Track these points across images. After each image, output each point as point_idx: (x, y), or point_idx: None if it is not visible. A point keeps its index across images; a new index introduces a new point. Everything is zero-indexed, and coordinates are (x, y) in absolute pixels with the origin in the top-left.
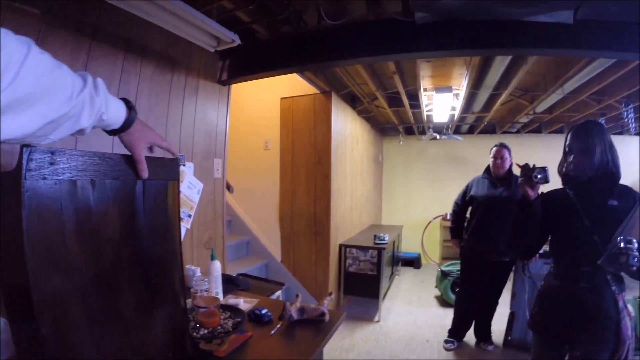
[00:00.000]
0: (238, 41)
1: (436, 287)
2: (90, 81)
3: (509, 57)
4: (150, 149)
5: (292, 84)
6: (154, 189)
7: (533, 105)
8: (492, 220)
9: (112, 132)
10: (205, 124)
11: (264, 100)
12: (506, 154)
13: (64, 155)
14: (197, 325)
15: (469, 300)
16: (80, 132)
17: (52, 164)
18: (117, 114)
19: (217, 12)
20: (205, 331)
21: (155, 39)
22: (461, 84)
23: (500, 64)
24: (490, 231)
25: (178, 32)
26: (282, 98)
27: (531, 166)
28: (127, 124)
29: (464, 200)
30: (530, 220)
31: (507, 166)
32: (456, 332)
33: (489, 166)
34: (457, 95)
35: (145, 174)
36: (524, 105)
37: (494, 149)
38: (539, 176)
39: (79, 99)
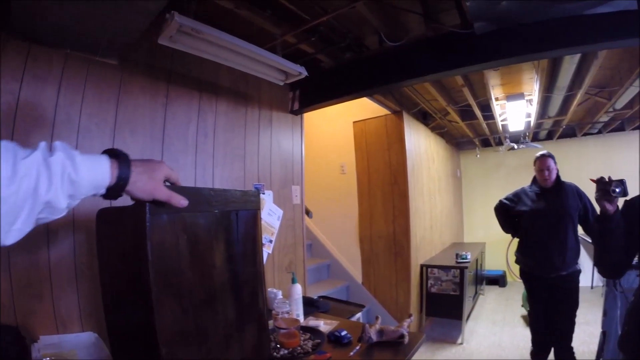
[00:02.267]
0: (305, 73)
1: (522, 305)
2: (43, 145)
3: (578, 55)
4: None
5: (363, 107)
6: (245, 218)
7: (611, 102)
8: (542, 234)
9: (112, 193)
10: (281, 152)
11: (338, 125)
12: (552, 164)
13: (177, 190)
14: (278, 346)
15: (539, 319)
16: (51, 207)
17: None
18: (96, 170)
19: (281, 47)
20: (286, 351)
21: (226, 77)
22: (533, 89)
23: (569, 63)
24: (543, 246)
25: (247, 70)
26: (354, 122)
27: (607, 179)
28: (121, 180)
29: (511, 205)
30: (612, 236)
31: (554, 177)
32: (538, 354)
33: (535, 177)
34: (530, 101)
35: (184, 202)
36: (602, 103)
37: (538, 160)
38: (617, 190)
39: (23, 165)
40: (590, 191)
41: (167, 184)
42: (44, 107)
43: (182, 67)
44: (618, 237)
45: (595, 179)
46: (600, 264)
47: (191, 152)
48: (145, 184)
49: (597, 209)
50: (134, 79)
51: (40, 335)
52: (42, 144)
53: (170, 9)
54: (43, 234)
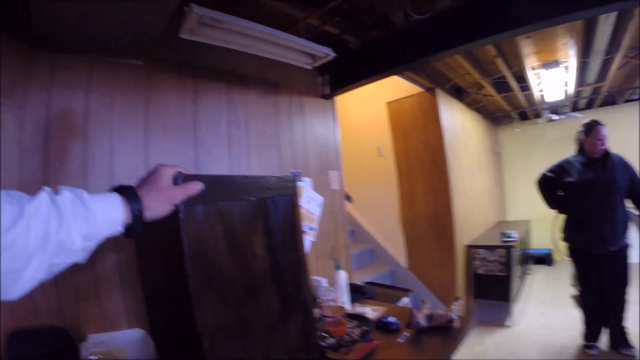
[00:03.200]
0: (332, 54)
1: (572, 285)
2: (47, 189)
3: (613, 14)
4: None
5: (396, 87)
6: (282, 204)
7: None
8: (592, 207)
9: (134, 228)
10: (316, 138)
11: (371, 108)
12: (606, 132)
13: (207, 180)
14: (325, 335)
15: (591, 298)
16: (64, 249)
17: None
18: (108, 206)
19: (305, 30)
20: (333, 340)
21: (253, 66)
22: (568, 55)
23: (604, 24)
24: (592, 219)
25: (274, 56)
26: (387, 102)
27: None
28: (136, 211)
29: (555, 177)
30: None
31: (607, 145)
32: (591, 335)
33: (581, 146)
34: (566, 68)
35: (199, 185)
36: None
37: (594, 128)
38: None
39: (30, 207)
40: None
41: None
42: (75, 113)
43: (207, 60)
44: None
45: None
46: None
47: (224, 145)
48: (159, 201)
49: None
50: (161, 76)
51: (89, 335)
52: (46, 188)
53: (189, 2)
54: None
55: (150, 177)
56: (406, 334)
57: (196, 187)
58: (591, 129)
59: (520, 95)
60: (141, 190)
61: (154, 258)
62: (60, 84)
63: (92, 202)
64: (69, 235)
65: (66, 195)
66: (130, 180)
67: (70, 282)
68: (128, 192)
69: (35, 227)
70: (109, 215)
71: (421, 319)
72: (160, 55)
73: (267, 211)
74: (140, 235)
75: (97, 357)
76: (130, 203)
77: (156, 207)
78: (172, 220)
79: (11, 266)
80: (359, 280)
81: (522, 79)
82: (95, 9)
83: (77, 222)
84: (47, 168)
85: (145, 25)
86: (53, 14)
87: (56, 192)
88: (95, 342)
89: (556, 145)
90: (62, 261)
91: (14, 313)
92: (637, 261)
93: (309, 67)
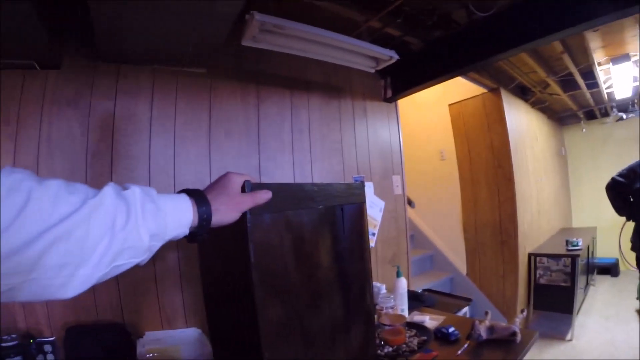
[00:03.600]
0: (396, 56)
1: (638, 298)
2: (111, 184)
3: None
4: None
5: (458, 88)
6: (350, 212)
7: None
8: None
9: (199, 231)
10: (379, 142)
11: (433, 110)
12: None
13: (275, 188)
14: (382, 343)
15: None
16: (131, 246)
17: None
18: (178, 205)
19: (367, 33)
20: (390, 349)
21: (315, 72)
22: (638, 48)
23: None
24: None
25: (336, 60)
26: (450, 104)
27: None
28: (204, 214)
29: (626, 182)
30: None
31: None
32: None
33: None
34: (636, 62)
35: (268, 195)
36: None
37: None
38: None
39: (95, 197)
40: None
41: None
42: (139, 120)
43: (269, 66)
44: None
45: None
46: None
47: (287, 150)
48: (227, 206)
49: None
50: (223, 83)
51: (146, 331)
52: (112, 183)
53: (249, 10)
54: None
55: (218, 183)
56: (466, 345)
57: (265, 195)
58: None
59: (587, 93)
60: (210, 195)
61: (218, 261)
62: (124, 93)
63: (162, 200)
64: (137, 232)
65: (135, 190)
66: (194, 186)
67: (130, 277)
68: (197, 195)
69: (97, 220)
70: (178, 216)
71: (482, 331)
72: (223, 63)
73: (335, 219)
74: (205, 240)
75: (152, 355)
76: (198, 206)
77: (224, 212)
78: (239, 227)
79: (66, 260)
80: (417, 287)
81: (589, 75)
82: (156, 25)
83: (147, 219)
84: (113, 173)
85: (206, 35)
86: (115, 30)
87: (124, 188)
88: (151, 339)
89: (626, 146)
90: (127, 261)
91: (74, 306)
92: None
93: (372, 70)
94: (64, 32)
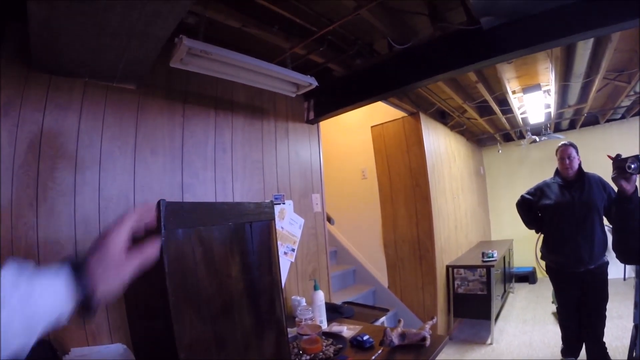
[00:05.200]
0: (315, 83)
1: (553, 302)
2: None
3: (591, 40)
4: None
5: (380, 111)
6: (259, 228)
7: (631, 85)
8: (569, 229)
9: (85, 312)
10: (300, 162)
11: (356, 131)
12: (573, 153)
13: (189, 206)
14: (300, 352)
15: (569, 314)
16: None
17: (181, 214)
18: (53, 292)
19: (291, 60)
20: (308, 357)
21: (242, 93)
22: (549, 79)
23: (583, 48)
24: (570, 240)
25: (260, 85)
26: (372, 126)
27: (623, 157)
28: (85, 305)
29: (534, 199)
30: (631, 218)
31: (576, 166)
32: (570, 351)
33: (557, 169)
34: (547, 91)
35: (155, 252)
36: (622, 87)
37: (559, 149)
38: (632, 166)
39: None
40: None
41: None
42: (67, 133)
43: (197, 87)
44: (637, 219)
45: (612, 156)
46: (619, 248)
47: (210, 168)
48: (107, 276)
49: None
50: (152, 101)
51: (72, 348)
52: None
53: (180, 34)
54: (71, 252)
55: (99, 247)
56: (379, 352)
57: (153, 252)
58: (557, 150)
59: (502, 118)
60: (89, 264)
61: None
62: (54, 105)
63: (35, 289)
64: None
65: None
66: (118, 200)
67: None
68: (77, 269)
69: None
70: (49, 302)
71: (394, 337)
72: (152, 81)
73: (244, 235)
74: (94, 316)
75: None
76: (77, 281)
77: (106, 283)
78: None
79: None
80: (340, 300)
81: (504, 102)
82: (93, 40)
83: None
84: (39, 185)
85: (137, 54)
86: (52, 42)
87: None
88: (77, 355)
89: (539, 165)
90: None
91: None
92: (617, 276)
93: (292, 95)
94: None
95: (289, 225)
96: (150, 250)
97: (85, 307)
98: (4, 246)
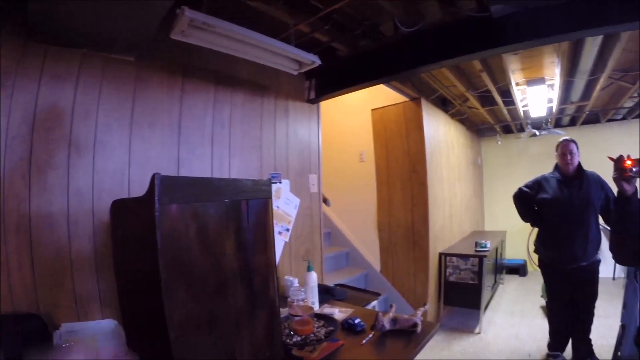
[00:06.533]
0: (318, 62)
1: (542, 296)
2: None
3: (600, 37)
4: None
5: (381, 95)
6: (256, 207)
7: (636, 87)
8: (565, 225)
9: None
10: (298, 142)
11: (356, 113)
12: (574, 149)
13: (185, 180)
14: (292, 333)
15: (558, 309)
16: None
17: (176, 189)
18: None
19: (295, 37)
20: (299, 338)
21: (243, 70)
22: (554, 73)
23: (591, 45)
24: (565, 237)
25: (262, 61)
26: (372, 109)
27: (625, 158)
28: None
29: (531, 193)
30: (631, 220)
31: (576, 162)
32: (556, 345)
33: (557, 164)
34: (551, 85)
35: None
36: (626, 87)
37: (560, 144)
38: (634, 169)
39: None
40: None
41: None
42: (62, 104)
43: (198, 60)
44: (636, 221)
45: (613, 157)
46: (616, 250)
47: (208, 144)
48: None
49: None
50: (150, 74)
51: (63, 323)
52: None
53: (182, 4)
54: (63, 225)
55: None
56: (370, 335)
57: None
58: (559, 145)
59: (504, 109)
60: None
61: (129, 250)
62: (50, 76)
63: None
64: None
65: None
66: (113, 174)
67: (47, 269)
68: None
69: None
70: None
71: (386, 322)
72: (151, 54)
73: (240, 213)
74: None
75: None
76: None
77: None
78: (148, 216)
79: None
80: (332, 282)
81: (507, 93)
82: (92, 9)
83: None
84: (32, 157)
85: (137, 24)
86: (49, 10)
87: None
88: (68, 331)
89: (537, 160)
90: None
91: None
92: (606, 275)
93: (295, 72)
94: None
95: (284, 204)
96: None
97: None
98: None
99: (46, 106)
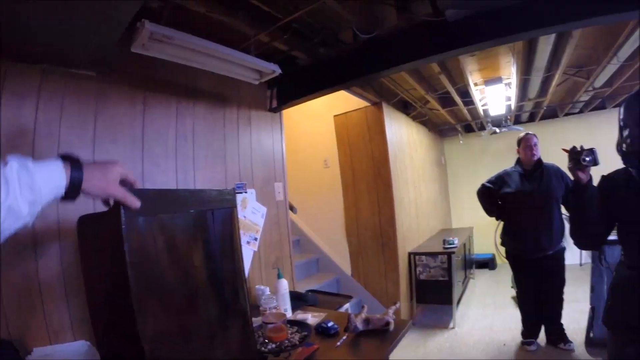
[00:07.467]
0: (278, 71)
1: (512, 287)
2: None
3: (553, 36)
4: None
5: (343, 101)
6: (221, 216)
7: (590, 81)
8: (528, 216)
9: (69, 193)
10: (262, 151)
11: (319, 120)
12: (537, 142)
13: (150, 192)
14: (266, 340)
15: (528, 298)
16: (13, 214)
17: (143, 201)
18: (51, 173)
19: (255, 47)
20: (273, 345)
21: (205, 81)
22: (510, 72)
23: (545, 43)
24: (530, 228)
25: (223, 72)
26: (335, 115)
27: (579, 148)
28: (75, 179)
29: (494, 188)
30: (587, 207)
31: (538, 154)
32: (530, 332)
33: (518, 158)
34: (509, 84)
35: (137, 203)
36: (581, 82)
37: (523, 138)
38: (587, 159)
39: None
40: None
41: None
42: (23, 122)
43: (159, 73)
44: (592, 208)
45: (567, 148)
46: (576, 235)
47: (171, 157)
48: (100, 182)
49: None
50: (111, 88)
51: (34, 348)
52: None
53: (142, 18)
54: (30, 246)
55: (102, 164)
56: (344, 337)
57: (134, 202)
58: (522, 139)
59: (464, 109)
60: (87, 166)
61: (98, 265)
62: (10, 92)
63: (36, 170)
64: (16, 201)
65: (12, 166)
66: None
67: (15, 292)
68: (74, 161)
69: None
70: (52, 181)
71: (358, 323)
72: (113, 68)
73: (206, 223)
74: (74, 200)
75: None
76: (72, 169)
77: (94, 185)
78: (115, 229)
79: None
80: (304, 289)
81: (466, 93)
82: (49, 22)
83: (24, 191)
84: None
85: (98, 38)
86: (8, 25)
87: (5, 162)
88: (39, 355)
89: (499, 156)
90: (11, 225)
91: None
92: (572, 262)
93: (256, 82)
94: None
95: (251, 214)
96: (135, 200)
97: (70, 193)
98: None
99: (8, 124)
